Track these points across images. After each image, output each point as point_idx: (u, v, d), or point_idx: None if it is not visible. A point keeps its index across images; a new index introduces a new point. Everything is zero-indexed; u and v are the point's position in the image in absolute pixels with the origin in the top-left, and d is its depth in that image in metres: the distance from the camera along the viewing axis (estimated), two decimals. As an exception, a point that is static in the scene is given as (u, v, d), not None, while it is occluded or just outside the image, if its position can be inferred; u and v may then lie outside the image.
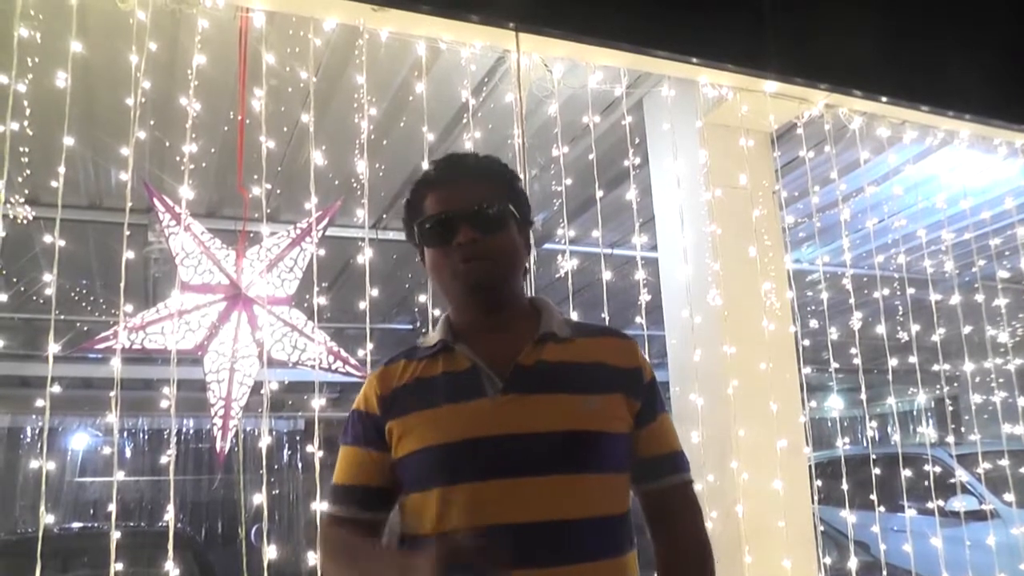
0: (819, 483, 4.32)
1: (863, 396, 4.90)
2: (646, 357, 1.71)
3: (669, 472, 1.67)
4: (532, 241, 1.76)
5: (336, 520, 1.65)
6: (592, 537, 1.49)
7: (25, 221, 4.41)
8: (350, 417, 1.70)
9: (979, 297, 6.08)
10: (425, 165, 3.81)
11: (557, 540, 1.46)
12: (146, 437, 12.98)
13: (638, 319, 4.19)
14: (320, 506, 3.42)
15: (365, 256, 3.76)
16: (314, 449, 3.67)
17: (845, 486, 4.72)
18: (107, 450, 12.09)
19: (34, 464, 10.97)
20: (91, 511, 12.06)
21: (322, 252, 3.88)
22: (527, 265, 1.72)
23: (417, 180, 1.71)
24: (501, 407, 1.53)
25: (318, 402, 3.66)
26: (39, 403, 3.34)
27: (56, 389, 3.21)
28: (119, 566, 3.11)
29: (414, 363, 1.65)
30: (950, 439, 7.06)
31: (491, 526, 1.45)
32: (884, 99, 4.27)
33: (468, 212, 1.59)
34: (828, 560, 4.70)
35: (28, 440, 12.43)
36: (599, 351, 1.64)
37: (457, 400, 1.55)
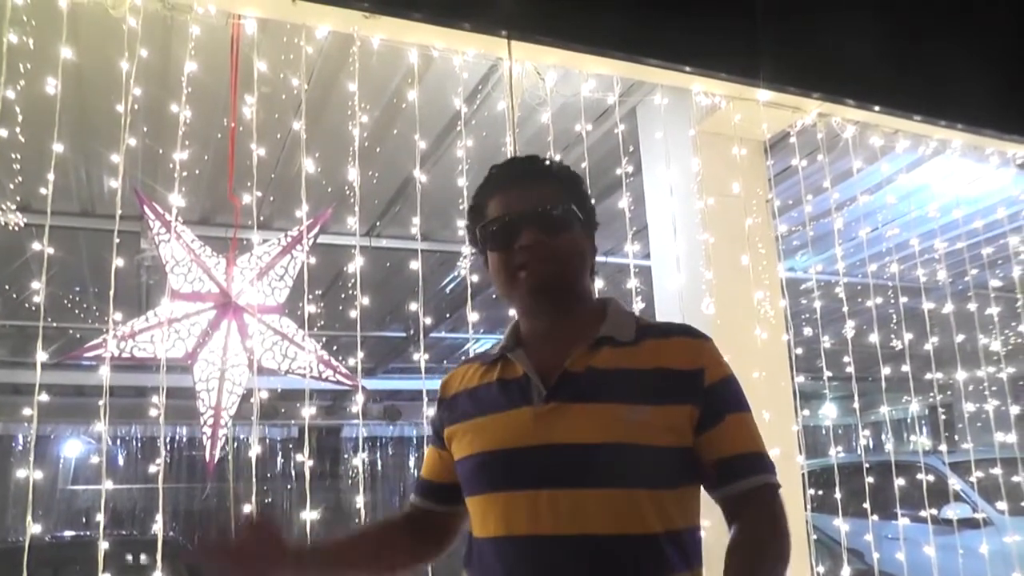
0: (812, 491, 4.31)
1: (856, 404, 4.89)
2: (718, 355, 1.58)
3: (742, 475, 1.51)
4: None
5: (410, 505, 1.77)
6: (628, 555, 1.42)
7: (16, 228, 4.40)
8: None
9: (972, 306, 6.09)
10: (417, 173, 3.83)
11: (588, 556, 1.40)
12: (138, 445, 12.96)
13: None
14: (310, 515, 3.42)
15: (357, 264, 3.75)
16: (305, 457, 3.67)
17: (838, 494, 4.71)
18: (98, 458, 12.04)
19: (25, 472, 10.92)
20: (83, 519, 12.01)
21: (313, 260, 3.87)
22: (593, 268, 1.69)
23: (480, 185, 1.69)
24: (542, 417, 1.49)
25: (308, 410, 3.64)
26: (29, 411, 3.31)
27: (45, 397, 3.19)
28: (108, 575, 3.09)
29: (475, 368, 1.66)
30: (943, 447, 7.06)
31: (523, 537, 1.44)
32: (877, 108, 4.27)
33: (530, 214, 1.56)
34: (821, 568, 4.69)
35: (19, 448, 12.39)
36: (662, 355, 1.54)
37: (503, 408, 1.54)
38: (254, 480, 3.28)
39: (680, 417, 1.49)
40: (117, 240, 3.32)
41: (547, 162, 1.71)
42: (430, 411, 2.01)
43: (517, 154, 3.65)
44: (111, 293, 3.16)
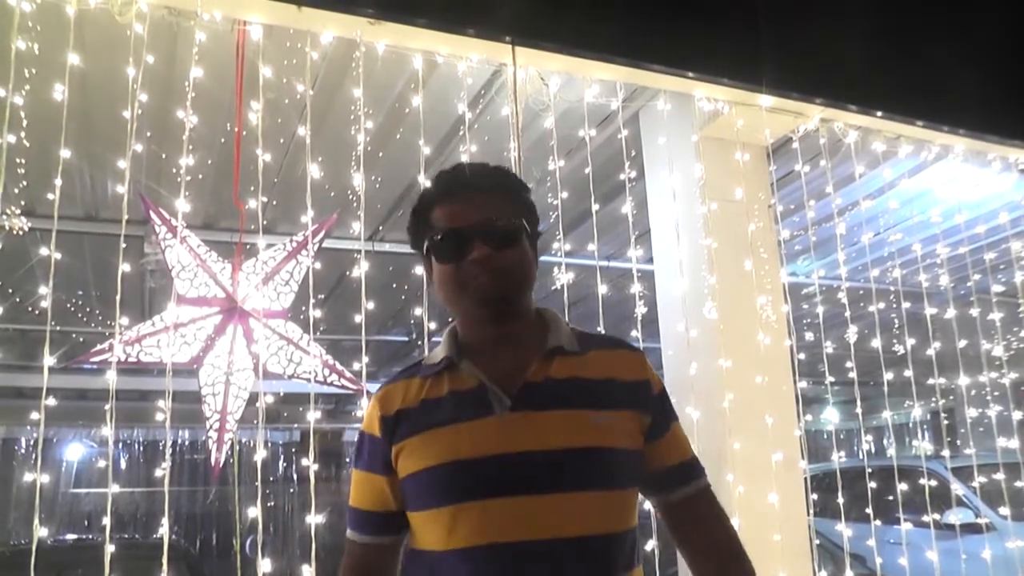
0: (815, 496, 4.32)
1: (859, 409, 4.89)
2: (653, 369, 1.68)
3: (690, 479, 1.65)
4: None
5: (356, 546, 1.65)
6: (603, 554, 1.47)
7: (21, 232, 4.42)
8: (359, 439, 1.67)
9: (974, 311, 6.10)
10: (422, 178, 3.83)
11: (567, 558, 1.44)
12: (142, 449, 12.97)
13: (634, 332, 4.19)
14: (315, 518, 3.42)
15: (361, 268, 3.77)
16: (309, 461, 3.68)
17: (841, 499, 4.71)
18: (102, 462, 12.05)
19: (29, 476, 10.95)
20: (86, 523, 12.02)
21: (318, 265, 3.88)
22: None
23: (425, 190, 1.67)
24: (510, 425, 1.49)
25: (313, 415, 3.65)
26: (34, 414, 3.32)
27: (51, 401, 3.20)
28: (113, 578, 3.09)
29: (417, 381, 1.61)
30: (946, 452, 7.05)
31: (500, 544, 1.44)
32: (879, 113, 4.28)
33: (482, 227, 1.55)
34: (824, 574, 4.69)
35: (23, 451, 12.40)
36: (609, 365, 1.60)
37: (465, 419, 1.52)
38: (259, 483, 3.29)
39: (635, 422, 1.58)
40: (124, 245, 3.33)
41: (496, 171, 1.68)
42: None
43: (520, 160, 3.66)
44: (117, 298, 3.18)
